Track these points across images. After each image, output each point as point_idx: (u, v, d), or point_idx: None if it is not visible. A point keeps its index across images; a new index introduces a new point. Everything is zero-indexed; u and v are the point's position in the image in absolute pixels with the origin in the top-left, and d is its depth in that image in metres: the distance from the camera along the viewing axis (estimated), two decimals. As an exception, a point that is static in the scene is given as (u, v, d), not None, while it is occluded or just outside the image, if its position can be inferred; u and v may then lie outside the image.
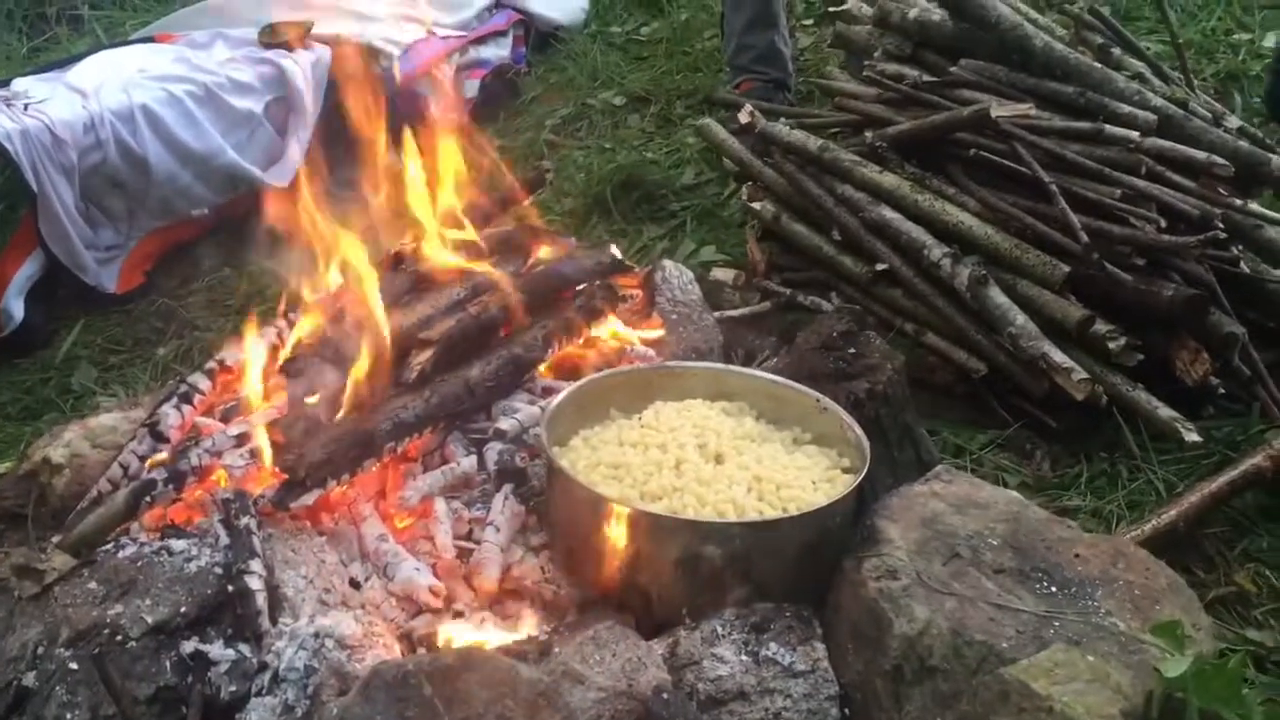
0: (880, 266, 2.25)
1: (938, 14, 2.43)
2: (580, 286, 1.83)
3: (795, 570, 1.37)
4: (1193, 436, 1.89)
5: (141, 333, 3.18)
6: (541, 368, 1.72)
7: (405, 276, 1.73)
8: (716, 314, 2.25)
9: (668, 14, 4.30)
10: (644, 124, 3.73)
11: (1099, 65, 2.26)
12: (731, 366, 1.72)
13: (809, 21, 4.03)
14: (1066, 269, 2.01)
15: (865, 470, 1.40)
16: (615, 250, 1.91)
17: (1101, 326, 1.97)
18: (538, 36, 4.26)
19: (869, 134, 2.34)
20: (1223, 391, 2.06)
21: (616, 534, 1.34)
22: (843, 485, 1.42)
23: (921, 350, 2.22)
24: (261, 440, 1.50)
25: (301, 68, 3.57)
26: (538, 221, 1.96)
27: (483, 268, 1.74)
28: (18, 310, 3.04)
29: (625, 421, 1.53)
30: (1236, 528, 1.81)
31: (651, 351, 1.80)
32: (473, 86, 3.91)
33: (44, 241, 3.07)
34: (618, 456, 1.45)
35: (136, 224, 3.33)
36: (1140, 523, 1.73)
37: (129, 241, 3.33)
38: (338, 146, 3.41)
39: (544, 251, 1.88)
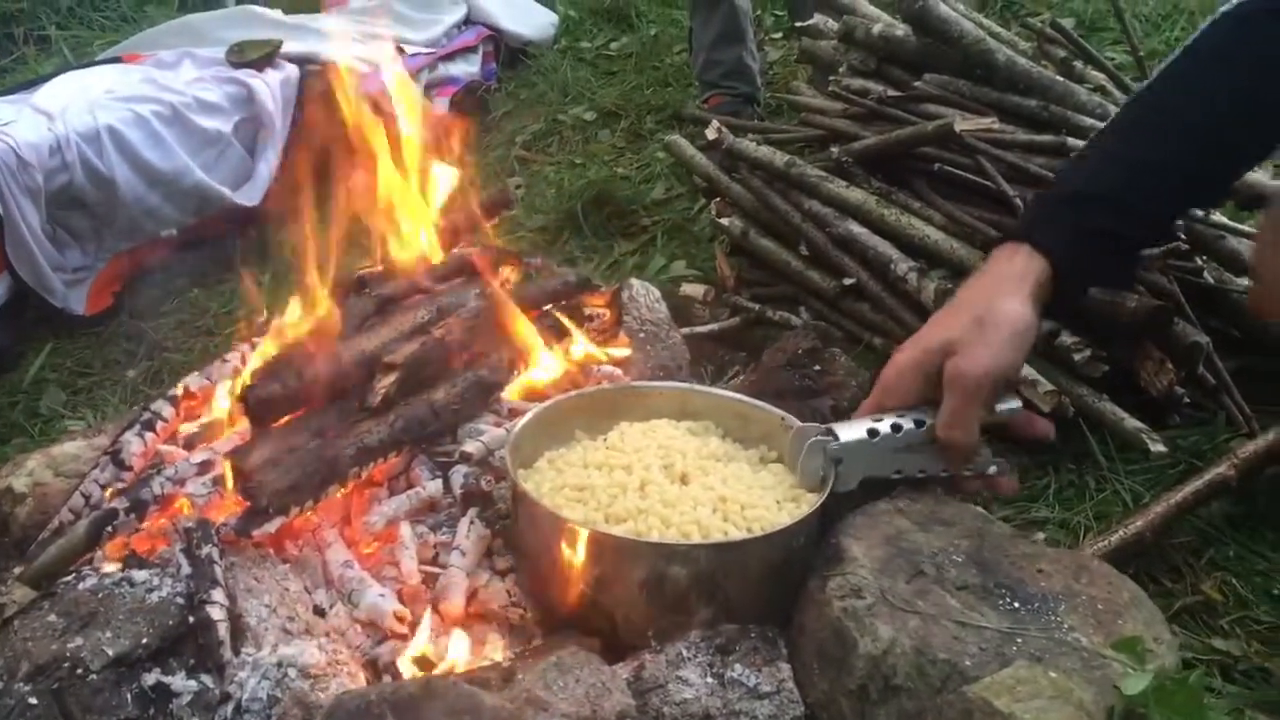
0: (848, 281, 2.26)
1: (901, 29, 2.44)
2: (546, 307, 1.83)
3: (761, 590, 1.36)
4: (1158, 447, 1.90)
5: (110, 355, 3.16)
6: (508, 389, 1.72)
7: (368, 300, 1.73)
8: (686, 330, 2.25)
9: (637, 29, 4.32)
10: (614, 139, 3.74)
11: (1061, 79, 2.28)
12: (696, 386, 1.72)
13: (778, 35, 4.05)
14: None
15: (829, 489, 1.40)
16: (581, 272, 1.91)
17: (1067, 338, 1.98)
18: (508, 52, 4.27)
19: (835, 149, 2.35)
20: (1188, 401, 2.07)
21: (581, 557, 1.33)
22: (807, 505, 1.42)
23: (890, 364, 2.23)
24: (224, 468, 1.49)
25: (270, 87, 3.57)
26: (503, 242, 1.96)
27: (447, 290, 1.73)
28: (-17, 333, 3.03)
29: (590, 443, 1.53)
30: (1203, 537, 1.82)
31: (619, 370, 1.79)
32: (443, 104, 3.91)
33: (10, 264, 3.05)
34: (582, 479, 1.44)
35: (104, 245, 3.32)
36: (1107, 533, 1.73)
37: (97, 263, 3.31)
38: (307, 165, 3.43)
39: (510, 273, 1.88)
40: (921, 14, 2.33)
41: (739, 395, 1.62)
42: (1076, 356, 1.97)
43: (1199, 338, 2.07)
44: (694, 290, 2.59)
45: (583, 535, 1.32)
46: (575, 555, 1.33)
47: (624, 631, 1.36)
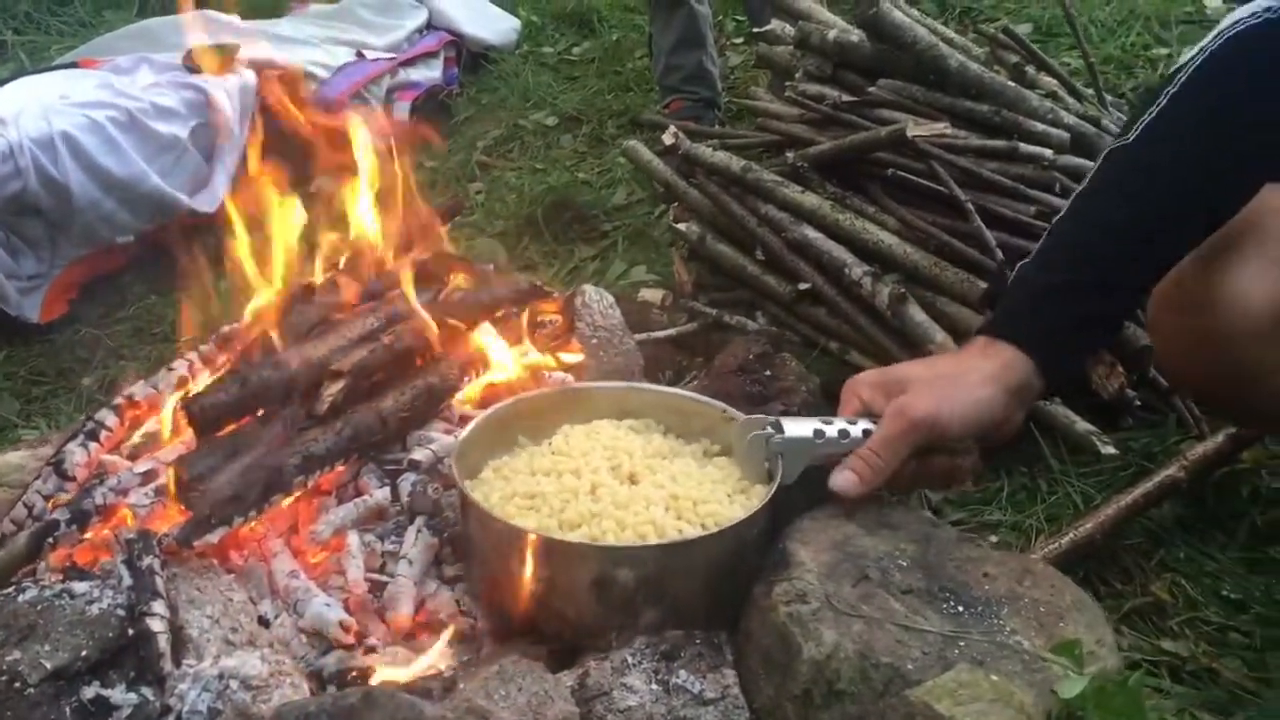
0: (803, 286, 2.27)
1: (856, 35, 2.46)
2: (498, 314, 1.83)
3: (719, 585, 1.37)
4: (1108, 449, 1.92)
5: (65, 363, 3.13)
6: (459, 396, 1.71)
7: (317, 307, 1.72)
8: (643, 335, 2.25)
9: (599, 34, 4.32)
10: (576, 144, 3.74)
11: (1013, 84, 2.30)
12: (635, 384, 1.72)
13: (739, 40, 4.07)
14: (984, 285, 2.04)
15: (777, 481, 1.40)
16: (534, 278, 1.91)
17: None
18: (469, 57, 4.26)
19: (790, 154, 2.36)
20: (1140, 403, 2.08)
21: (536, 566, 1.32)
22: (757, 498, 1.42)
23: (846, 368, 2.23)
24: (167, 477, 1.47)
25: (227, 92, 3.55)
26: (461, 248, 1.95)
27: (397, 297, 1.72)
28: (-66, 339, 2.99)
29: (535, 449, 1.52)
30: (1154, 539, 1.83)
31: (570, 377, 1.79)
32: (404, 109, 3.90)
33: (-37, 272, 3.02)
34: (531, 486, 1.43)
35: (59, 252, 3.29)
36: (1058, 536, 1.74)
37: (52, 270, 3.28)
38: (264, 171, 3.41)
39: (461, 279, 1.87)
40: (875, 20, 2.34)
41: (678, 390, 1.62)
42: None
43: (1148, 341, 2.08)
44: (652, 295, 2.59)
45: (536, 543, 1.31)
46: (531, 564, 1.32)
47: (580, 635, 1.35)
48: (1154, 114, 1.36)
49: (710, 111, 3.46)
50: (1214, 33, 1.36)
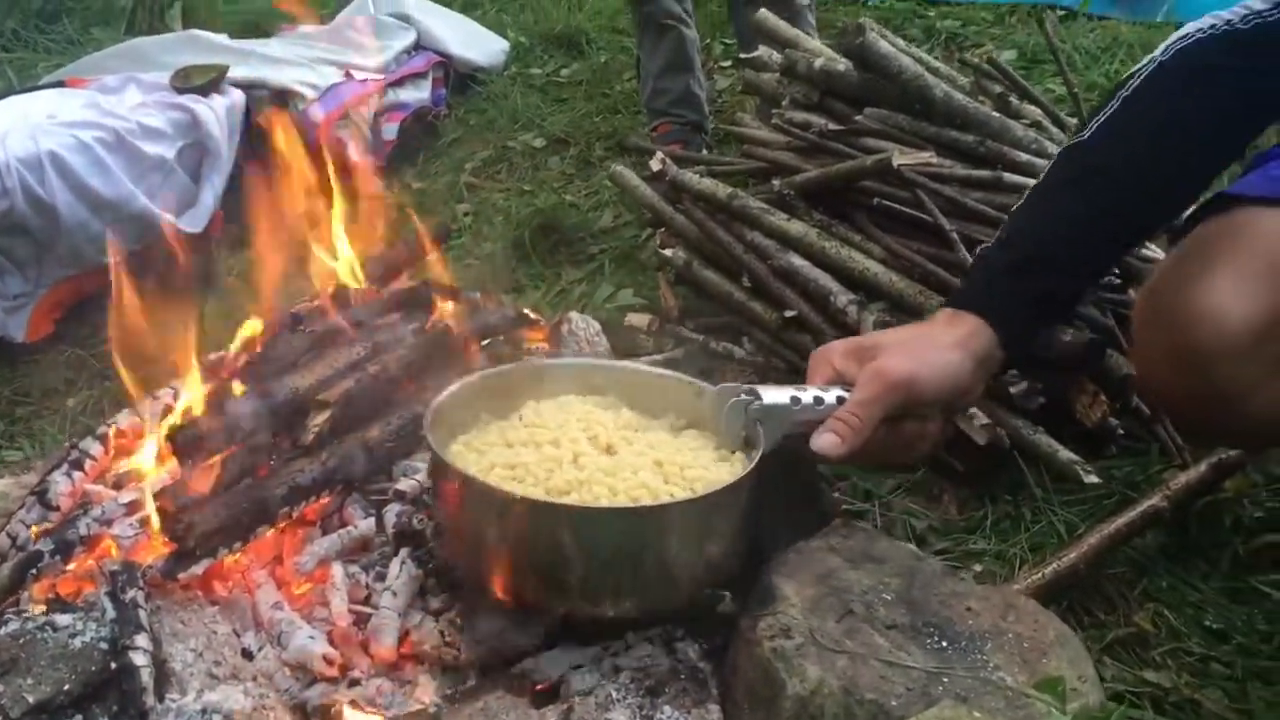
0: (789, 313, 2.27)
1: (842, 64, 2.47)
2: (485, 341, 1.83)
3: (714, 550, 1.37)
4: (1091, 478, 1.92)
5: (50, 383, 3.12)
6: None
7: (303, 336, 1.72)
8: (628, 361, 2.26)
9: (587, 56, 4.34)
10: (564, 166, 3.75)
11: (997, 114, 2.31)
12: (597, 360, 1.71)
13: (727, 64, 4.08)
14: (968, 314, 2.04)
15: (762, 444, 1.39)
16: (521, 305, 1.91)
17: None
18: (457, 78, 4.27)
19: (777, 182, 2.37)
20: (1123, 431, 2.09)
21: (536, 533, 1.31)
22: (740, 463, 1.41)
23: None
24: (151, 508, 1.47)
25: (215, 112, 3.55)
26: (444, 275, 1.96)
27: (383, 326, 1.73)
28: (-83, 360, 2.98)
29: (503, 423, 1.51)
30: (1137, 568, 1.84)
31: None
32: (391, 129, 3.91)
33: (-54, 293, 3.01)
34: (510, 457, 1.41)
35: (46, 272, 3.27)
36: (1042, 565, 1.75)
37: (38, 289, 3.27)
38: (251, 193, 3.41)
39: (448, 307, 1.87)
40: (861, 50, 2.36)
41: (641, 366, 1.63)
42: (1013, 389, 1.99)
43: (1132, 370, 2.10)
44: (639, 320, 2.59)
45: (541, 508, 1.30)
46: (532, 532, 1.30)
47: (578, 602, 1.35)
48: (1107, 115, 1.45)
49: (697, 135, 3.48)
50: (1164, 44, 1.46)
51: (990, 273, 1.48)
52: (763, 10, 2.82)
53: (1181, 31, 1.45)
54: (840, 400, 1.39)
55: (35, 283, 3.25)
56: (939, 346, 1.40)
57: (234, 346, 1.75)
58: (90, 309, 3.36)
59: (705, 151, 3.46)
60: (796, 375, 2.29)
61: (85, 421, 2.87)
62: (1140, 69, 1.46)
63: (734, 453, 1.46)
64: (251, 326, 1.75)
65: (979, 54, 3.73)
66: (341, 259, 1.88)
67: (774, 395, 1.41)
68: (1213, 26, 1.41)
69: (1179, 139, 1.42)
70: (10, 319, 3.18)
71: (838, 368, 1.42)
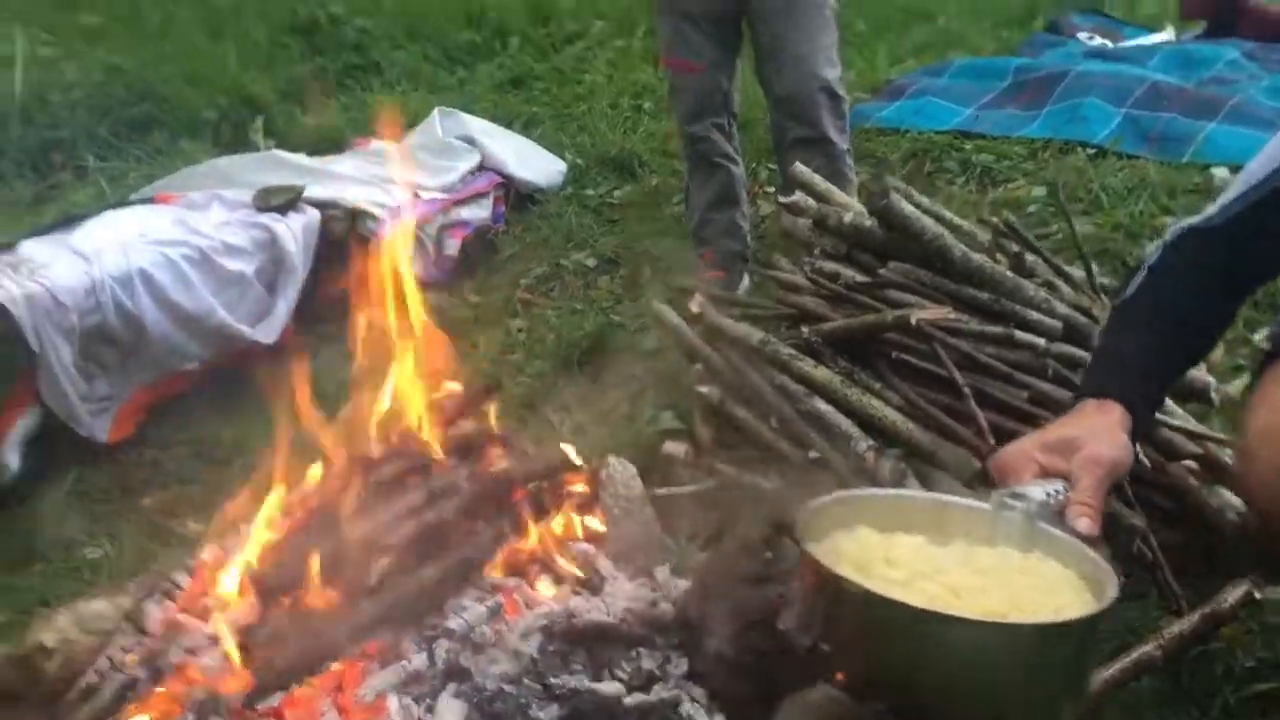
0: (813, 455, 2.45)
1: (870, 220, 2.67)
2: (530, 485, 2.02)
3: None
4: (1090, 624, 2.05)
5: (129, 483, 3.35)
6: (490, 567, 1.90)
7: (368, 481, 1.92)
8: (664, 490, 2.44)
9: (639, 178, 4.55)
10: (612, 285, 3.96)
11: (1011, 274, 2.49)
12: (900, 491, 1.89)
13: (771, 189, 4.28)
14: (978, 464, 2.21)
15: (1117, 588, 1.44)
16: (565, 451, 2.10)
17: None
18: (516, 197, 4.49)
19: (805, 329, 2.56)
20: (1127, 575, 2.22)
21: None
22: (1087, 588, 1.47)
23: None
24: (230, 644, 1.66)
25: (292, 230, 3.81)
26: (494, 425, 2.16)
27: (439, 472, 1.93)
28: (14, 461, 3.23)
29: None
30: (1132, 713, 1.95)
31: (592, 548, 1.98)
32: (454, 245, 4.15)
33: (41, 398, 3.26)
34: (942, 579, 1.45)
35: (130, 377, 3.53)
36: (1041, 711, 1.87)
37: (122, 393, 3.51)
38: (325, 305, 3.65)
39: (498, 453, 2.07)
40: (886, 210, 2.56)
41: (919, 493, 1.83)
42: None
43: (1136, 520, 2.23)
44: (675, 449, 2.75)
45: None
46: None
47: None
48: (1140, 282, 1.78)
49: (740, 263, 3.68)
50: (1170, 230, 1.80)
51: (1124, 368, 1.72)
52: (797, 164, 3.03)
53: (1185, 221, 1.79)
54: (1057, 493, 1.54)
55: (120, 387, 3.50)
56: (1114, 432, 1.61)
57: (306, 485, 1.95)
58: (169, 412, 3.61)
59: (747, 278, 3.67)
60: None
61: (159, 523, 3.09)
62: (1154, 251, 1.79)
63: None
64: (322, 467, 1.95)
65: (1008, 189, 3.92)
66: (410, 405, 2.08)
67: (1033, 492, 1.54)
68: (1207, 218, 1.74)
69: (1178, 315, 1.75)
70: (96, 421, 3.42)
71: (1043, 463, 1.59)
